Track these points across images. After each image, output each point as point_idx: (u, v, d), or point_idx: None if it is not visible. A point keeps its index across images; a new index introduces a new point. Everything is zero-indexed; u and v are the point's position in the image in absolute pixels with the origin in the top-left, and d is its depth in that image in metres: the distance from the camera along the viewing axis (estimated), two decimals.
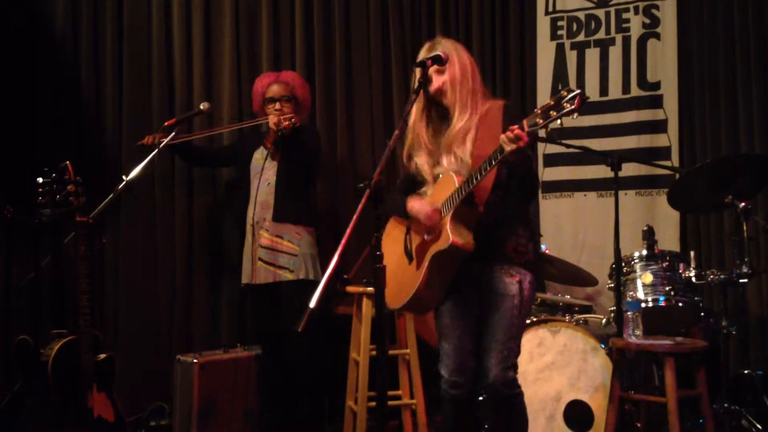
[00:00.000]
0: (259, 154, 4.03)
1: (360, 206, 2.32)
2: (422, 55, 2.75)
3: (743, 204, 3.52)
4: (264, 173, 3.96)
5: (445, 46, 2.75)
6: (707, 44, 4.55)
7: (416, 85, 2.64)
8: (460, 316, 2.76)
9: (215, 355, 4.03)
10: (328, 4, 4.80)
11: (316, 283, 3.82)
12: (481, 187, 2.55)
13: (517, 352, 2.72)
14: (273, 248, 3.89)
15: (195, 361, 3.89)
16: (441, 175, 2.72)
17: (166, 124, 3.79)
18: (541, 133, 4.66)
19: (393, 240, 2.88)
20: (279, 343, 3.91)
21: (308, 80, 4.48)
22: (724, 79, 4.48)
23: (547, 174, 4.90)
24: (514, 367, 2.70)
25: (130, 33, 4.41)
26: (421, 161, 2.78)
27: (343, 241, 2.30)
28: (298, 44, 4.71)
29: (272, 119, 3.81)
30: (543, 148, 4.90)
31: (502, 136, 2.41)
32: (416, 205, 2.71)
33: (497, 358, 2.64)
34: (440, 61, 2.68)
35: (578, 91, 2.25)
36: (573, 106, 2.24)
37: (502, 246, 2.69)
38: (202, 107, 3.92)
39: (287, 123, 3.77)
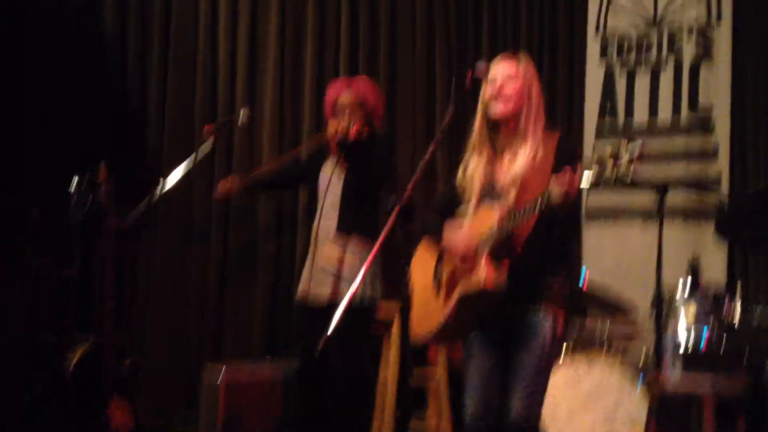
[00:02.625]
0: (329, 169, 3.89)
1: (390, 222, 2.26)
2: (495, 69, 2.60)
3: None
4: (331, 187, 3.81)
5: (525, 65, 2.61)
6: (763, 70, 4.37)
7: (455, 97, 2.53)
8: (490, 348, 2.63)
9: (243, 367, 3.98)
10: (374, 14, 4.76)
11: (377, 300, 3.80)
12: (520, 228, 2.43)
13: (544, 390, 2.57)
14: (339, 260, 3.72)
15: (220, 379, 3.83)
16: (481, 207, 2.59)
17: (206, 128, 3.75)
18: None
19: (423, 265, 2.76)
20: (325, 358, 3.71)
21: None
22: None
23: (591, 200, 4.75)
24: (539, 404, 2.55)
25: (177, 37, 4.47)
26: (473, 183, 2.63)
27: (370, 258, 2.25)
28: (342, 52, 4.67)
29: (331, 128, 3.69)
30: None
31: (553, 182, 2.28)
32: (453, 237, 2.56)
33: (522, 393, 2.50)
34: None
35: (640, 142, 2.14)
36: (634, 158, 2.13)
37: (537, 285, 2.56)
38: (242, 113, 3.87)
39: (353, 130, 3.64)
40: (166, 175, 3.66)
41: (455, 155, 2.86)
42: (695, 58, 4.56)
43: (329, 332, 2.09)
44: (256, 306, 4.47)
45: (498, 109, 2.56)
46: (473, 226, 2.58)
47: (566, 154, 2.50)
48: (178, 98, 4.44)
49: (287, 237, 4.52)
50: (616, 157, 2.16)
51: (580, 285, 4.06)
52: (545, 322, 2.54)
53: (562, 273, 2.62)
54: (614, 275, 4.60)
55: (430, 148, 2.43)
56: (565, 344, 3.73)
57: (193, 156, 3.72)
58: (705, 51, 4.54)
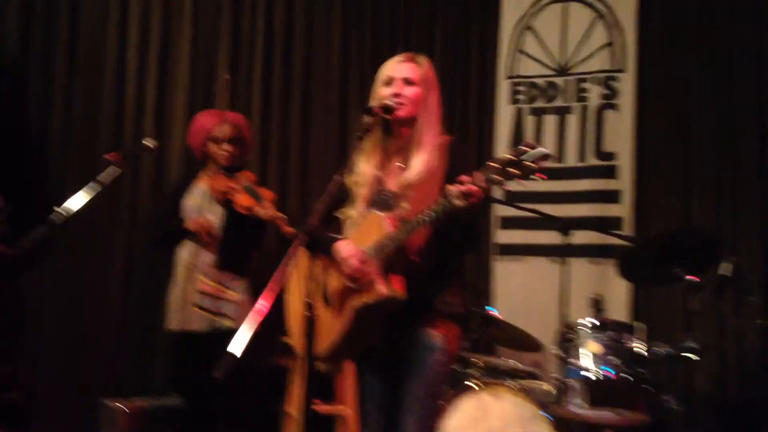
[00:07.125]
0: (197, 198, 3.72)
1: (293, 252, 2.19)
2: (394, 69, 2.50)
3: (688, 277, 3.46)
4: (206, 214, 3.65)
5: (425, 69, 2.51)
6: (664, 117, 4.56)
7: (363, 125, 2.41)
8: (385, 373, 2.51)
9: (143, 401, 3.80)
10: (288, 42, 4.74)
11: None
12: (415, 237, 2.33)
13: (437, 411, 2.50)
14: (215, 295, 3.60)
15: (120, 407, 3.66)
16: (369, 214, 2.46)
17: (106, 156, 3.51)
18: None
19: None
20: (206, 395, 3.58)
21: (265, 123, 4.38)
22: (679, 153, 4.47)
23: (502, 237, 4.82)
24: (433, 428, 2.47)
25: (85, 60, 4.32)
26: (360, 188, 2.49)
27: (275, 287, 2.18)
28: (256, 77, 4.60)
29: (243, 202, 3.52)
30: (498, 210, 4.85)
31: (451, 189, 2.18)
32: (344, 250, 2.41)
33: (414, 417, 2.39)
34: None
35: (546, 151, 2.04)
36: (538, 168, 2.04)
37: (432, 298, 2.45)
38: (147, 143, 3.65)
39: (269, 214, 3.50)
40: (62, 202, 3.43)
41: None
42: (600, 106, 4.73)
43: (237, 353, 1.97)
44: (158, 341, 4.30)
45: (399, 113, 2.44)
46: (361, 234, 2.44)
47: (459, 160, 2.44)
48: (84, 121, 4.28)
49: None
50: (518, 153, 2.08)
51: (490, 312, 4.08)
52: (438, 338, 2.43)
53: (458, 285, 2.54)
54: (522, 312, 4.66)
55: (336, 179, 2.35)
56: (474, 380, 3.71)
57: (93, 183, 3.49)
58: (610, 99, 4.71)
